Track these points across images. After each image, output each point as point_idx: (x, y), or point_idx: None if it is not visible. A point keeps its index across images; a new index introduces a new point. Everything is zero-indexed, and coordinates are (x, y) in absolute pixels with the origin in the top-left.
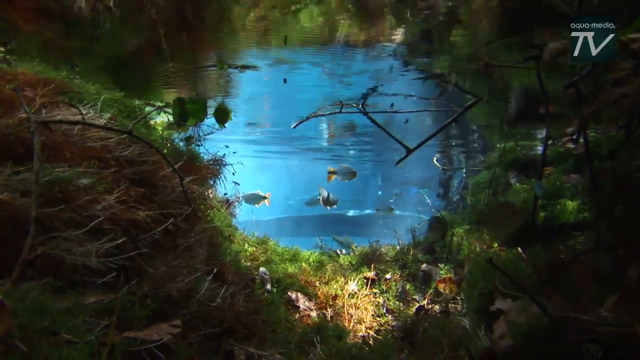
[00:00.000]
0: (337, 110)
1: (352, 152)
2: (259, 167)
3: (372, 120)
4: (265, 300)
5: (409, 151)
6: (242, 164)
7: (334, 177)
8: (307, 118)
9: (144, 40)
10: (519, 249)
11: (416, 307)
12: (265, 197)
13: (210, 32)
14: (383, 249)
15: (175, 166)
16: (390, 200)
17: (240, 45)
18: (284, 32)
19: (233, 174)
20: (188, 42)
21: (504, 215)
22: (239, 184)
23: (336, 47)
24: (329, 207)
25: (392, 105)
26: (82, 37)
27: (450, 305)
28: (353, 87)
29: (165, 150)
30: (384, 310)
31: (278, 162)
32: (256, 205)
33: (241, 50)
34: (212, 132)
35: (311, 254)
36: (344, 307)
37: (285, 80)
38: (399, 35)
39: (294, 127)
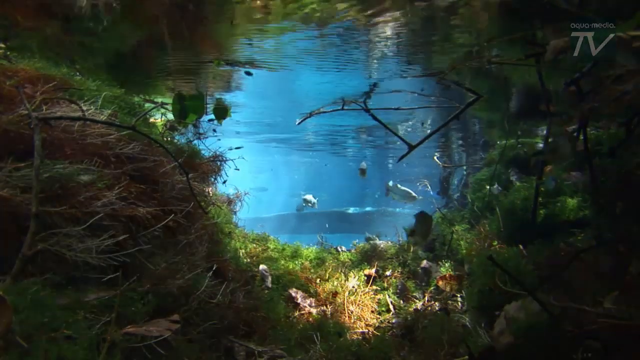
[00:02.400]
0: (339, 108)
1: (350, 151)
2: (261, 164)
3: (375, 118)
4: (265, 297)
5: (411, 147)
6: (243, 158)
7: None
8: (310, 114)
9: (143, 35)
10: (520, 246)
11: (416, 306)
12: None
13: (209, 23)
14: (383, 246)
15: (177, 163)
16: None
17: (239, 37)
18: (283, 23)
19: (236, 168)
20: (188, 36)
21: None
22: (238, 169)
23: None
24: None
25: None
26: (82, 33)
27: (450, 302)
28: (354, 85)
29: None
30: (392, 307)
31: (278, 158)
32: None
33: (240, 45)
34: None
35: (312, 250)
36: (344, 304)
37: (249, 73)
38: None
39: (298, 123)
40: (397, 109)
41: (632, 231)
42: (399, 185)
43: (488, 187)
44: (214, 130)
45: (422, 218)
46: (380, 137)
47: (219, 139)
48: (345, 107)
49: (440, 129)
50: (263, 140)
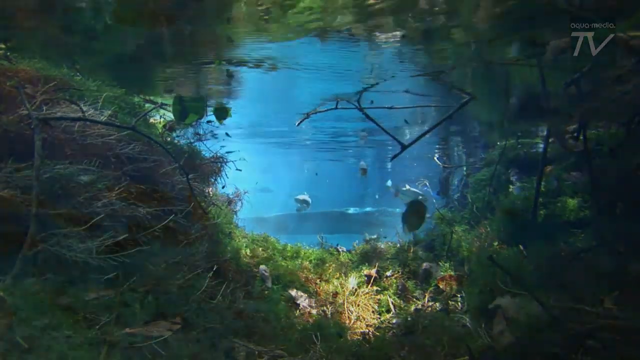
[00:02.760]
0: (333, 107)
1: (350, 151)
2: (263, 164)
3: (368, 117)
4: (265, 298)
5: (404, 147)
6: (244, 159)
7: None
8: (308, 115)
9: (143, 34)
10: (520, 246)
11: (416, 307)
12: None
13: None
14: (383, 247)
15: (177, 164)
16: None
17: (239, 36)
18: (283, 22)
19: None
20: (187, 35)
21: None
22: (240, 170)
23: (335, 40)
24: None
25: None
26: (82, 33)
27: (450, 302)
28: (352, 85)
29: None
30: (392, 308)
31: (279, 158)
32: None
33: (240, 45)
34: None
35: (313, 251)
36: (344, 304)
37: (230, 74)
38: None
39: (298, 124)
40: (390, 107)
41: (632, 231)
42: (407, 186)
43: (510, 188)
44: (227, 134)
45: (415, 206)
46: (380, 135)
47: (224, 139)
48: (340, 107)
49: (433, 128)
50: (261, 134)
